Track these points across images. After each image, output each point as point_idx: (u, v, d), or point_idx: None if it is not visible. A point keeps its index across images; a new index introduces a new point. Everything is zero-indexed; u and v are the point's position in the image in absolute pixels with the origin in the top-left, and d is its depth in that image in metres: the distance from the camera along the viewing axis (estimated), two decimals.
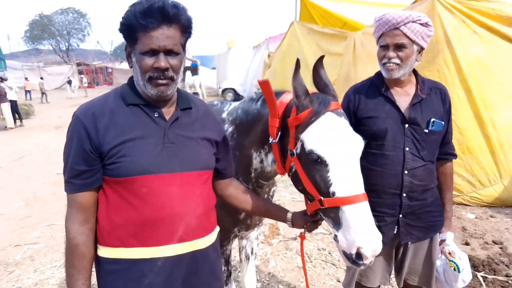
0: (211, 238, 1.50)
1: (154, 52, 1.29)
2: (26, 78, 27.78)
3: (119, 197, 1.34)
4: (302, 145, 1.51)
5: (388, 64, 1.82)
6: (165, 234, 1.34)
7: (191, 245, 1.40)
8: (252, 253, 2.53)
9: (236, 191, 1.74)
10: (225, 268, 2.32)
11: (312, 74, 1.70)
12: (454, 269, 2.02)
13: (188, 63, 25.68)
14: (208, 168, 1.50)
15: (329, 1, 8.61)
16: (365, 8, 7.94)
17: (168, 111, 1.43)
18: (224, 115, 2.15)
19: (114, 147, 1.30)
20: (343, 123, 1.54)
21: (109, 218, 1.35)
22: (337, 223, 1.44)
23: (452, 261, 2.04)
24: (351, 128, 1.56)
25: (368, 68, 5.66)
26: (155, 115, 1.38)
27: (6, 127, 14.29)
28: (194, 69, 24.95)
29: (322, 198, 1.46)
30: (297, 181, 1.60)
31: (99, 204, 1.38)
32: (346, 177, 1.44)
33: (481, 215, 4.79)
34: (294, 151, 1.56)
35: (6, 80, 14.78)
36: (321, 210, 1.51)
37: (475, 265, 3.57)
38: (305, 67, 8.69)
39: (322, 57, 1.72)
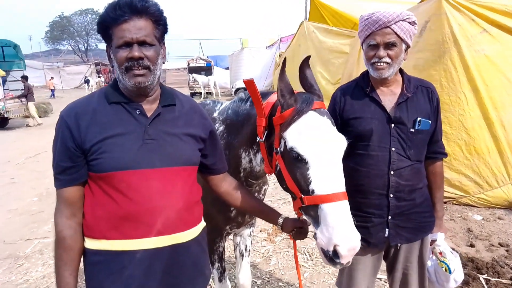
0: (193, 232, 1.53)
1: (128, 45, 1.34)
2: (51, 78, 28.39)
3: (102, 191, 1.39)
4: (285, 143, 1.54)
5: (378, 64, 1.81)
6: (143, 227, 1.38)
7: (171, 239, 1.43)
8: (246, 249, 2.57)
9: (230, 189, 1.77)
10: (219, 264, 2.37)
11: (298, 74, 1.73)
12: (445, 270, 2.01)
13: (202, 63, 25.91)
14: (190, 163, 1.52)
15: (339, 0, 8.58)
16: (375, 8, 7.86)
17: (150, 108, 1.46)
18: (215, 114, 2.19)
19: (95, 144, 1.36)
20: (325, 122, 1.56)
21: (93, 211, 1.41)
22: (316, 221, 1.47)
23: (443, 261, 2.03)
24: (333, 128, 1.58)
25: None
26: (137, 112, 1.42)
27: (26, 125, 14.75)
28: (208, 69, 25.15)
29: (303, 196, 1.48)
30: (281, 179, 1.63)
31: (85, 198, 1.44)
32: (325, 175, 1.46)
33: (488, 216, 4.70)
34: (279, 149, 1.59)
35: (27, 79, 15.25)
36: (302, 209, 1.54)
37: (478, 267, 3.52)
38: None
39: (308, 58, 1.74)
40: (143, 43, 1.36)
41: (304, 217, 1.59)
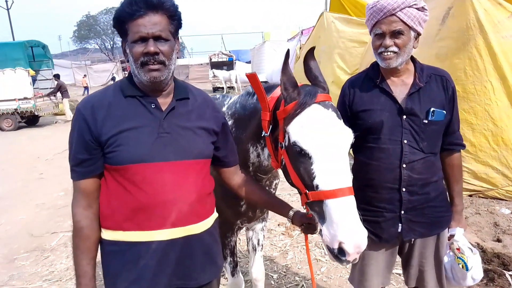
0: (206, 224, 1.55)
1: (143, 40, 1.36)
2: (84, 75, 29.06)
3: (117, 183, 1.42)
4: (289, 137, 1.50)
5: (386, 53, 1.73)
6: (158, 219, 1.41)
7: (184, 230, 1.46)
8: (258, 244, 2.56)
9: (241, 182, 1.77)
10: (231, 259, 2.37)
11: (303, 66, 1.68)
12: (462, 267, 1.92)
13: (224, 58, 25.99)
14: (203, 157, 1.54)
15: None
16: None
17: (165, 102, 1.48)
18: (224, 108, 2.18)
19: (112, 137, 1.38)
20: (330, 115, 1.50)
21: (109, 202, 1.45)
22: (321, 217, 1.42)
23: (460, 258, 1.94)
24: (339, 120, 1.51)
25: None
26: (152, 106, 1.45)
27: (55, 122, 15.29)
28: (229, 64, 25.20)
29: (307, 191, 1.44)
30: (286, 174, 1.59)
31: (101, 189, 1.47)
32: (329, 170, 1.41)
33: None
34: (283, 143, 1.55)
35: (59, 77, 15.77)
36: (307, 204, 1.50)
37: (505, 263, 3.37)
38: (330, 58, 8.46)
39: (312, 49, 1.70)
40: (158, 38, 1.37)
41: (311, 212, 1.55)
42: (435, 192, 1.88)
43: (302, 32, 15.64)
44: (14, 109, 13.47)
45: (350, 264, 1.66)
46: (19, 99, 13.34)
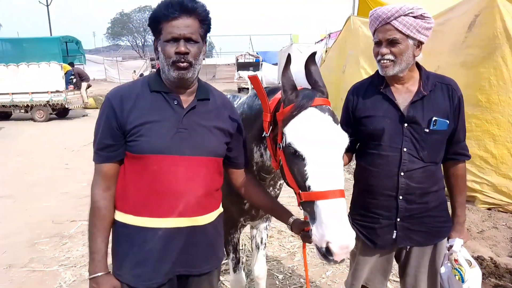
0: (210, 217, 1.65)
1: (175, 40, 1.47)
2: (133, 71, 28.79)
3: (135, 170, 1.53)
4: (285, 138, 1.54)
5: (383, 61, 1.75)
6: (167, 208, 1.52)
7: (190, 221, 1.56)
8: (262, 242, 2.60)
9: (247, 184, 1.83)
10: (234, 255, 2.43)
11: (304, 70, 1.72)
12: (459, 279, 1.90)
13: (251, 59, 26.13)
14: (215, 155, 1.63)
15: None
16: (427, 2, 7.47)
17: (187, 100, 1.59)
18: None
19: (135, 127, 1.49)
20: (325, 119, 1.52)
21: (124, 187, 1.56)
22: (312, 217, 1.46)
23: (457, 269, 1.92)
24: (334, 125, 1.54)
25: None
26: (174, 103, 1.55)
27: (83, 115, 15.75)
28: (256, 65, 25.31)
29: (300, 191, 1.49)
30: (282, 174, 1.64)
31: (119, 174, 1.58)
32: (322, 172, 1.44)
33: None
34: (281, 144, 1.60)
35: (73, 65, 15.61)
36: (301, 204, 1.54)
37: None
38: (357, 63, 8.30)
39: (314, 54, 1.73)
40: (189, 39, 1.48)
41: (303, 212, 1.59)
42: (435, 202, 1.87)
43: (330, 36, 15.55)
44: (47, 101, 14.02)
45: (332, 265, 1.69)
46: (51, 92, 13.89)
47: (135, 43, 66.17)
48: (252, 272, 2.65)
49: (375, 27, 1.77)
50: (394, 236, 1.86)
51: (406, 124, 1.79)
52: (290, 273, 3.56)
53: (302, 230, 1.69)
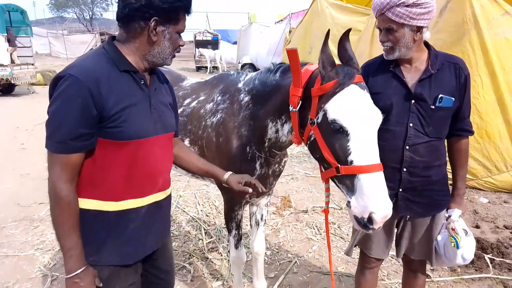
0: (170, 188, 1.74)
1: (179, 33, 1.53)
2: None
3: (112, 157, 1.43)
4: (325, 115, 1.58)
5: (384, 47, 1.90)
6: (149, 187, 1.55)
7: (165, 193, 1.65)
8: (262, 219, 2.63)
9: (181, 151, 1.86)
10: (236, 232, 2.43)
11: (337, 47, 1.74)
12: (454, 245, 2.05)
13: (209, 37, 25.54)
14: (173, 130, 1.69)
15: None
16: None
17: (147, 78, 1.55)
18: (240, 85, 2.20)
19: (116, 113, 1.38)
20: (366, 96, 1.61)
21: (97, 175, 1.43)
22: (351, 190, 1.55)
23: (453, 237, 2.07)
24: (372, 101, 1.63)
25: None
26: (141, 82, 1.49)
27: (32, 92, 14.61)
28: (214, 43, 24.81)
29: (339, 165, 1.55)
30: (315, 150, 1.68)
31: (94, 162, 1.43)
32: (364, 147, 1.54)
33: (494, 200, 4.77)
34: (315, 120, 1.63)
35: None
36: (336, 177, 1.61)
37: (484, 247, 3.60)
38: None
39: (348, 31, 1.75)
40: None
41: (338, 185, 1.64)
42: (437, 176, 1.99)
43: (291, 15, 15.54)
44: None
45: (370, 233, 1.78)
46: None
47: (82, 16, 61.92)
48: (251, 249, 2.68)
49: (375, 16, 1.90)
50: (395, 206, 1.97)
51: (413, 101, 1.89)
52: (277, 249, 3.64)
53: (239, 183, 1.77)
